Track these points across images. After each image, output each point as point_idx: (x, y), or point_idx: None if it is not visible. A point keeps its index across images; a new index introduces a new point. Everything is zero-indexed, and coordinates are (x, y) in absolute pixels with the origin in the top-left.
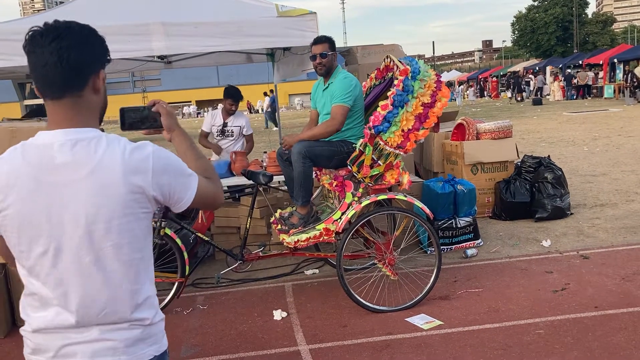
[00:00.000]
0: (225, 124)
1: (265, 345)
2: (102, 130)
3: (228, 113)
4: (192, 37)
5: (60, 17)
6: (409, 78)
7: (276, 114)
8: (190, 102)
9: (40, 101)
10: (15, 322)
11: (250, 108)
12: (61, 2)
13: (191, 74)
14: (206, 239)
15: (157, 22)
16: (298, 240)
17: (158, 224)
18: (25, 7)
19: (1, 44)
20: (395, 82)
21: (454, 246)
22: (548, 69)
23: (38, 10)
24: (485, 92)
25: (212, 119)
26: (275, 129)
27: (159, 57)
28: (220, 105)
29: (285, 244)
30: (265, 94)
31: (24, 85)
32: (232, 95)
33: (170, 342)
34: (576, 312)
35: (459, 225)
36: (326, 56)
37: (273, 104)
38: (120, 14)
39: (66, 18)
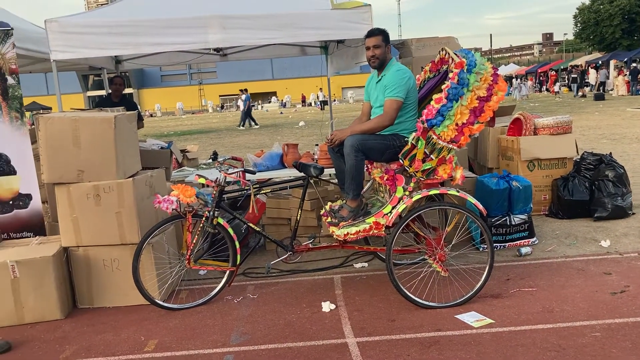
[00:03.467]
0: None
1: (313, 337)
2: None
3: None
4: (248, 29)
5: (122, 11)
6: (465, 71)
7: (328, 106)
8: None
9: (102, 92)
10: (75, 303)
11: (304, 101)
12: None
13: (246, 67)
14: (257, 229)
15: (214, 14)
16: (348, 233)
17: (211, 213)
18: (89, 1)
19: (67, 37)
20: (450, 75)
21: (507, 244)
22: (612, 62)
23: (101, 4)
24: (544, 87)
25: None
26: (256, 126)
27: (215, 49)
28: None
29: (335, 236)
30: (241, 91)
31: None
32: None
33: (220, 329)
34: (636, 315)
35: (513, 223)
36: (379, 48)
37: (248, 102)
38: (178, 7)
39: (127, 11)
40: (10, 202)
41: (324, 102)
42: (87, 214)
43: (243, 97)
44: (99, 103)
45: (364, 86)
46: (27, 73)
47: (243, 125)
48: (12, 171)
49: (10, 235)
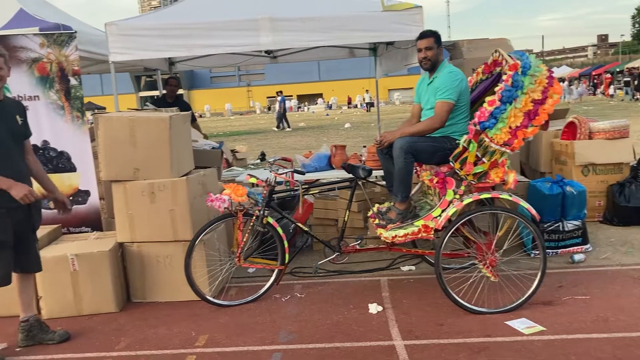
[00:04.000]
0: None
1: (361, 338)
2: None
3: None
4: (298, 32)
5: (176, 14)
6: (519, 73)
7: (374, 107)
8: (292, 96)
9: (154, 93)
10: (129, 297)
11: (350, 102)
12: None
13: (294, 69)
14: (305, 229)
15: (265, 17)
16: (396, 236)
17: (261, 212)
18: (143, 4)
19: (125, 39)
20: (504, 77)
21: (560, 250)
22: None
23: (154, 7)
24: (598, 90)
25: None
26: (288, 129)
27: (265, 51)
28: None
29: (382, 238)
30: (277, 93)
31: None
32: None
33: (269, 327)
34: None
35: (566, 229)
36: (432, 50)
37: (282, 104)
38: (230, 10)
39: (181, 14)
40: (70, 198)
41: (370, 104)
42: (142, 211)
43: (279, 99)
44: (154, 103)
45: (410, 88)
46: (85, 74)
47: (279, 127)
48: (72, 168)
49: (69, 229)
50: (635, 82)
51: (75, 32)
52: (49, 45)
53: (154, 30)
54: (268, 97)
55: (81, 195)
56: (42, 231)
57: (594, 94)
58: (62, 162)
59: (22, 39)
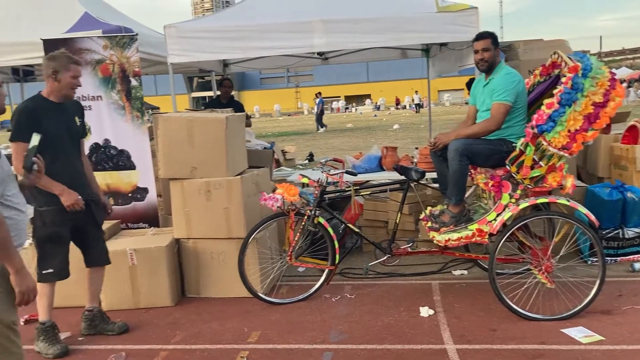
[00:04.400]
0: None
1: (411, 340)
2: None
3: None
4: (351, 33)
5: (232, 17)
6: (579, 75)
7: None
8: (340, 97)
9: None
10: (184, 292)
11: (398, 103)
12: (227, 2)
13: (342, 70)
14: (356, 230)
15: (318, 19)
16: (449, 239)
17: (313, 212)
18: (196, 7)
19: (183, 41)
20: (563, 79)
21: (619, 258)
22: None
23: (207, 9)
24: None
25: None
26: (321, 130)
27: (318, 53)
28: None
29: (435, 242)
30: (316, 95)
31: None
32: None
33: (319, 326)
34: None
35: (626, 236)
36: (489, 51)
37: (321, 105)
38: (284, 12)
39: (236, 17)
40: (130, 195)
41: (419, 105)
42: (198, 209)
43: (317, 100)
44: (208, 104)
45: (461, 89)
46: (142, 75)
47: (318, 129)
48: (132, 166)
49: (128, 225)
50: None
51: (137, 34)
52: (112, 47)
53: (211, 33)
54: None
55: (140, 193)
56: (103, 226)
57: None
58: (122, 160)
59: (87, 42)
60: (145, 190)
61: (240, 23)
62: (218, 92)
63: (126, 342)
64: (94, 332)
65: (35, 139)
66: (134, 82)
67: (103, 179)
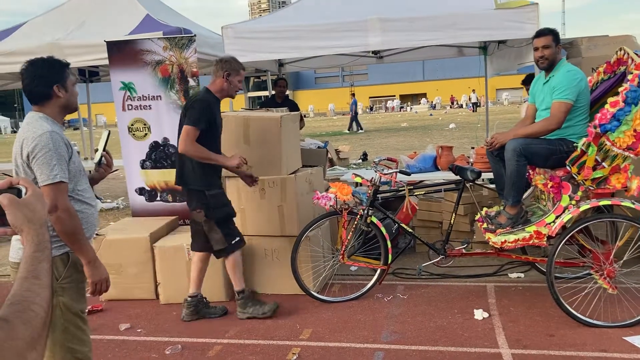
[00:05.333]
0: None
1: (465, 343)
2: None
3: None
4: (407, 31)
5: (287, 17)
6: None
7: (480, 107)
8: (394, 96)
9: (262, 93)
10: None
11: (454, 102)
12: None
13: (397, 69)
14: (409, 230)
15: (374, 17)
16: (505, 241)
17: (366, 211)
18: (253, 8)
19: (241, 42)
20: (630, 77)
21: None
22: None
23: (264, 10)
24: None
25: None
26: (361, 131)
27: (373, 52)
28: None
29: (491, 243)
30: (351, 95)
31: (248, 79)
32: None
33: (371, 326)
34: None
35: None
36: (549, 49)
37: (354, 106)
38: (339, 11)
39: (292, 17)
40: None
41: (476, 104)
42: (253, 206)
43: (351, 102)
44: (264, 103)
45: (519, 87)
46: (201, 75)
47: (359, 129)
48: None
49: (185, 221)
50: None
51: (195, 35)
52: (171, 48)
53: (267, 33)
54: (370, 97)
55: None
56: (161, 222)
57: None
58: None
59: (148, 43)
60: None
61: (296, 23)
62: (273, 92)
63: (182, 335)
64: (197, 317)
65: (104, 135)
66: (191, 82)
67: (162, 176)
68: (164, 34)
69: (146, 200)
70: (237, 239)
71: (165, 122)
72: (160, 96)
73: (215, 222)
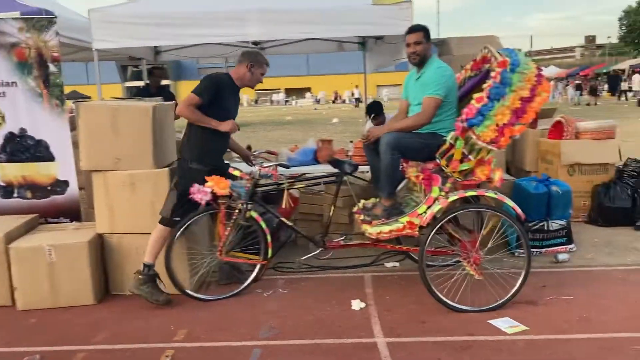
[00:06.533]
0: None
1: (342, 334)
2: None
3: None
4: (286, 23)
5: (162, 2)
6: (508, 70)
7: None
8: (280, 89)
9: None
10: (107, 289)
11: (337, 98)
12: None
13: (281, 62)
14: (290, 224)
15: (253, 8)
16: (381, 232)
17: (244, 206)
18: None
19: (110, 27)
20: (493, 74)
21: (544, 249)
22: None
23: None
24: (584, 91)
25: None
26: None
27: (253, 43)
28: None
29: (367, 234)
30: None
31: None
32: None
33: (249, 322)
34: None
35: (551, 228)
36: (420, 45)
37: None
38: (218, 0)
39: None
40: (48, 188)
41: (359, 100)
42: (123, 202)
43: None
44: (137, 93)
45: (399, 85)
46: (69, 62)
47: None
48: (51, 157)
49: (47, 220)
50: (587, 87)
51: (55, 17)
52: (28, 30)
53: (140, 18)
54: (256, 90)
55: (60, 186)
56: (18, 221)
57: (580, 95)
58: (39, 151)
59: (1, 23)
60: (65, 183)
61: (173, 9)
62: (147, 82)
63: (42, 344)
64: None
65: None
66: (52, 68)
67: (18, 170)
68: (21, 14)
69: (1, 197)
70: (181, 221)
71: (23, 111)
72: (15, 82)
73: (178, 192)
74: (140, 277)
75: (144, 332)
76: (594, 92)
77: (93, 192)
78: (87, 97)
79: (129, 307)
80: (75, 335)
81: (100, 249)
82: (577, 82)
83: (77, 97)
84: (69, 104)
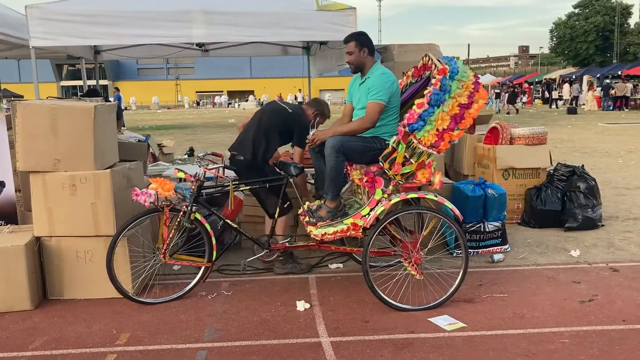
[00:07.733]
0: None
1: (287, 335)
2: None
3: None
4: (232, 26)
5: (104, 1)
6: (447, 77)
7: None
8: (222, 92)
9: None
10: (45, 294)
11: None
12: None
13: (225, 64)
14: (234, 226)
15: (198, 9)
16: (325, 234)
17: (189, 208)
18: None
19: (48, 24)
20: (433, 80)
21: (480, 250)
22: (585, 78)
23: None
24: (519, 99)
25: None
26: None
27: (197, 44)
28: None
29: (312, 236)
30: (115, 89)
31: (61, 66)
32: None
33: (194, 325)
34: (603, 324)
35: (487, 230)
36: (352, 55)
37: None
38: (162, 0)
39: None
40: None
41: (301, 103)
42: (62, 204)
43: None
44: (86, 94)
45: (342, 89)
46: (2, 59)
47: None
48: None
49: (5, 222)
50: (507, 95)
51: None
52: None
53: (80, 16)
54: (197, 92)
55: None
56: None
57: (514, 103)
58: None
59: None
60: (1, 185)
61: (114, 8)
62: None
63: None
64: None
65: None
66: None
67: None
68: None
69: None
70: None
71: None
72: None
73: (267, 189)
74: (280, 258)
75: (84, 336)
76: (512, 100)
77: (30, 194)
78: (20, 96)
79: (68, 312)
80: (12, 342)
81: (38, 252)
82: (497, 90)
83: (8, 95)
84: (3, 103)
